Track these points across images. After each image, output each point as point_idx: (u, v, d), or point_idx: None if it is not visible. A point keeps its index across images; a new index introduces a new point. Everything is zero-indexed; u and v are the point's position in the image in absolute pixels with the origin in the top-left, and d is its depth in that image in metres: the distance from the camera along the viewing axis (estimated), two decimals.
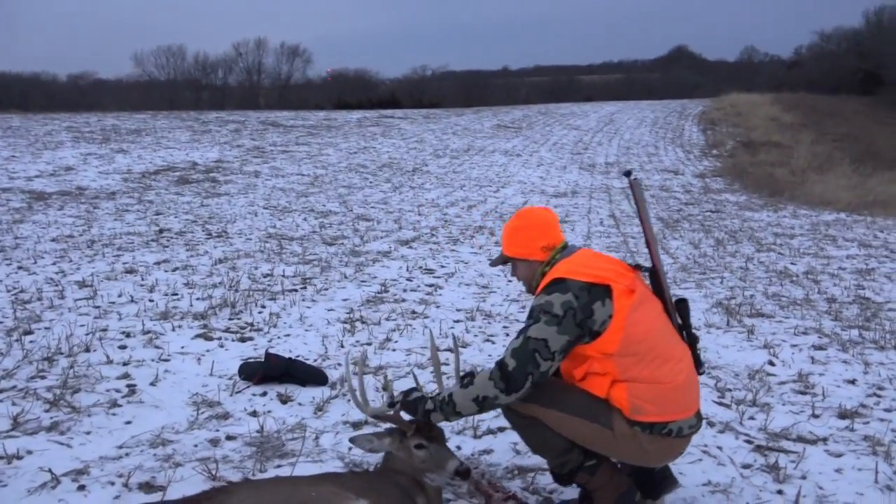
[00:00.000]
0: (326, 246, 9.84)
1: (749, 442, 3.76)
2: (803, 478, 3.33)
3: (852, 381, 4.74)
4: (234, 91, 66.41)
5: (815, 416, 4.13)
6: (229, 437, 3.68)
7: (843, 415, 4.12)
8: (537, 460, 3.43)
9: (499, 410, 2.87)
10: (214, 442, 3.63)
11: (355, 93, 58.33)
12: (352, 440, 2.86)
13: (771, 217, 15.93)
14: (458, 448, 3.63)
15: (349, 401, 4.24)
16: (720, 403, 4.33)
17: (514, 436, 3.75)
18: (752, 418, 4.11)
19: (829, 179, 23.53)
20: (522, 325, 2.64)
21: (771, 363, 5.17)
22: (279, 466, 3.37)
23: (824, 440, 3.78)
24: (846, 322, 6.32)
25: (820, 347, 5.53)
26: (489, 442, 3.72)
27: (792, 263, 9.68)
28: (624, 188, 20.23)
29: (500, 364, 2.58)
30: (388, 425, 2.90)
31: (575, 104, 47.60)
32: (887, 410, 4.21)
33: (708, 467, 3.44)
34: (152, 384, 4.42)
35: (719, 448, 3.67)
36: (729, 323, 6.28)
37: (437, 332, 5.81)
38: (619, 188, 20.22)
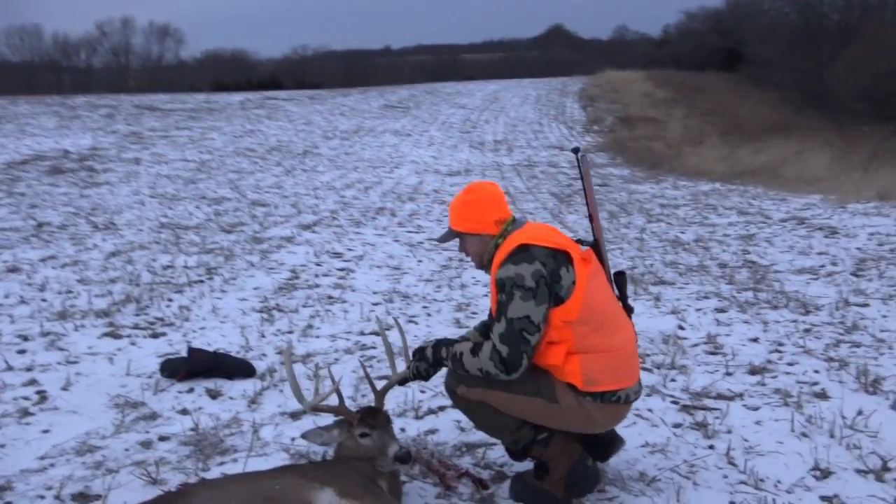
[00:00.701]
0: (225, 234, 9.50)
1: (675, 403, 3.97)
2: (729, 432, 3.54)
3: (755, 340, 5.08)
4: (101, 73, 62.50)
5: (728, 374, 4.39)
6: (162, 438, 3.50)
7: (753, 371, 4.41)
8: (483, 436, 3.47)
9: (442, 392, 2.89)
10: (146, 444, 3.44)
11: (233, 74, 56.24)
12: (303, 436, 2.80)
13: (654, 189, 16.69)
14: (402, 430, 3.62)
15: (282, 391, 4.14)
16: (643, 369, 4.51)
17: (456, 413, 3.78)
18: (673, 380, 4.33)
19: (702, 152, 24.87)
20: (498, 301, 2.64)
21: (681, 328, 5.45)
22: (222, 464, 3.25)
23: (741, 396, 4.03)
24: (740, 285, 6.75)
25: (721, 310, 5.89)
26: (432, 422, 3.73)
27: (681, 232, 10.21)
28: (515, 165, 20.65)
29: (496, 350, 2.60)
30: (333, 416, 2.87)
31: (460, 83, 47.94)
32: (790, 364, 4.54)
33: (643, 429, 3.60)
34: (64, 389, 4.14)
35: (650, 410, 3.84)
36: (636, 292, 6.56)
37: (359, 315, 5.75)
38: (509, 165, 20.61)
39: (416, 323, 5.60)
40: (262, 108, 30.30)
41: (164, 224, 10.08)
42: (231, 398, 4.04)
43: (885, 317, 5.54)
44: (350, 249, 8.71)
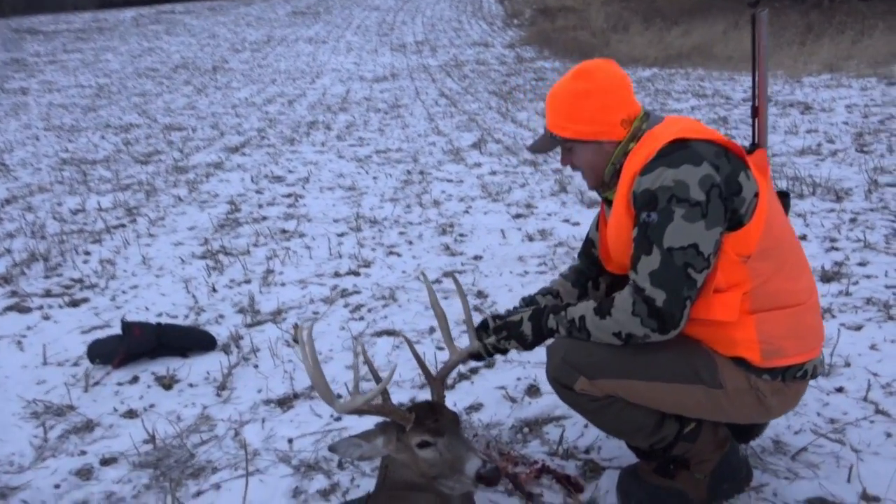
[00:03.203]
0: (141, 165, 8.17)
1: None
2: (848, 365, 2.80)
3: (803, 237, 4.34)
4: None
5: None
6: (106, 462, 2.51)
7: (826, 278, 3.67)
8: (547, 408, 2.63)
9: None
10: (85, 474, 2.45)
11: None
12: (332, 448, 1.87)
13: None
14: None
15: (257, 367, 3.17)
16: None
17: (497, 377, 2.92)
18: None
19: (630, 38, 24.05)
20: (643, 223, 1.71)
21: None
22: (199, 494, 2.30)
23: (830, 312, 3.30)
24: None
25: None
26: (470, 392, 2.82)
27: None
28: (442, 65, 19.34)
29: (643, 297, 1.69)
30: (378, 419, 1.94)
31: None
32: (861, 265, 3.83)
33: None
34: None
35: None
36: None
37: (326, 252, 4.75)
38: (436, 66, 19.30)
39: (398, 254, 4.64)
40: (159, 24, 27.65)
41: (65, 160, 8.64)
42: (191, 385, 3.05)
43: None
44: (291, 171, 7.57)
